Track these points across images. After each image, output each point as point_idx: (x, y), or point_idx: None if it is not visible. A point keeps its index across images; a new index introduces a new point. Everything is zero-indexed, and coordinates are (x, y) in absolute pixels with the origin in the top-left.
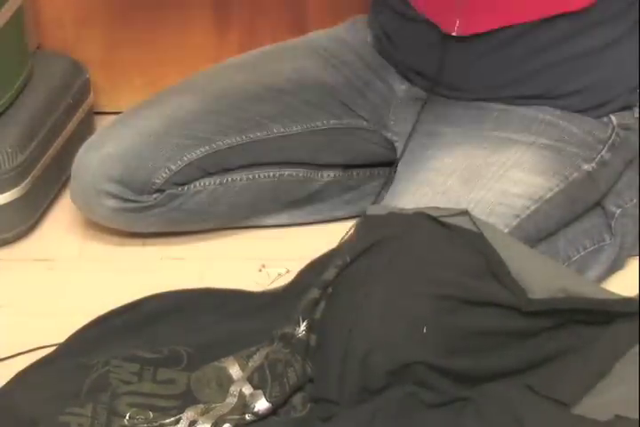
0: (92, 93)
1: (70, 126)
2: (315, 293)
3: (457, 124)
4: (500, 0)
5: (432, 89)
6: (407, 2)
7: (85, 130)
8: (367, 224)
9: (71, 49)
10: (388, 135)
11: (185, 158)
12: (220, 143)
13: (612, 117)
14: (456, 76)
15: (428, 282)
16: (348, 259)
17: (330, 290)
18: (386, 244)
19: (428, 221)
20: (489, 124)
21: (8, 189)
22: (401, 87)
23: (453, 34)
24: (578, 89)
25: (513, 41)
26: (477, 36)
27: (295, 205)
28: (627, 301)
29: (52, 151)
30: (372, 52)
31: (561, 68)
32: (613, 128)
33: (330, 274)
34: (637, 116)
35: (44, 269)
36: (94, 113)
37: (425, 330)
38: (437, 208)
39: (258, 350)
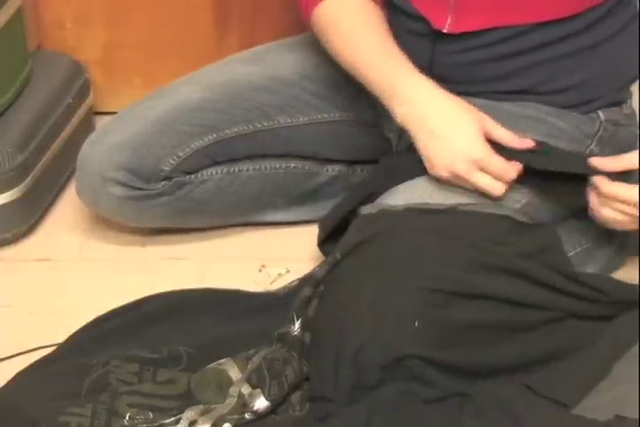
0: (91, 93)
1: (70, 126)
2: (307, 291)
3: None
4: (491, 2)
5: None
6: None
7: (85, 130)
8: (358, 221)
9: (71, 49)
10: (384, 131)
11: (192, 146)
12: (228, 131)
13: (600, 113)
14: (444, 69)
15: (418, 276)
16: (339, 256)
17: (322, 287)
18: (376, 240)
19: (418, 216)
20: None
21: (8, 189)
22: None
23: (444, 31)
24: (566, 86)
25: (502, 41)
26: (467, 33)
27: (300, 200)
28: (630, 287)
29: (52, 151)
30: None
31: (549, 67)
32: (601, 123)
33: (321, 271)
34: (626, 112)
35: (44, 269)
36: (94, 113)
37: (417, 324)
38: (427, 204)
39: (257, 352)
